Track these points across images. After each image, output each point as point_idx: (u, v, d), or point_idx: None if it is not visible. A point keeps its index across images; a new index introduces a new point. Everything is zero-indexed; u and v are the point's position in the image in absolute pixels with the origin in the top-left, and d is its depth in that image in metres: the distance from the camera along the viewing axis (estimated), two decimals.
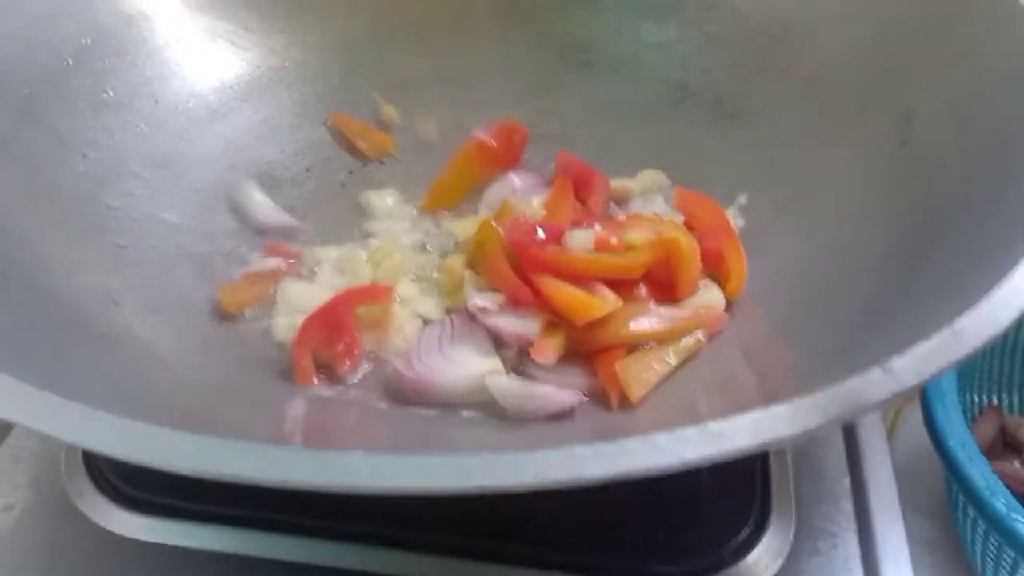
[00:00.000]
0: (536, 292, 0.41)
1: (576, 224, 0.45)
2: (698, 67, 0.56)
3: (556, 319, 0.41)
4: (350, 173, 0.53)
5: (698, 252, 0.43)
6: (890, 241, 0.40)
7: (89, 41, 0.49)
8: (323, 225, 0.50)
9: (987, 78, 0.42)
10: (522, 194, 0.51)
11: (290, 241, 0.49)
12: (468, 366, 0.40)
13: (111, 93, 0.49)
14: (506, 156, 0.53)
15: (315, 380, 0.40)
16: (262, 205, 0.49)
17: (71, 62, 0.47)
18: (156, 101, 0.50)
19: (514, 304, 0.42)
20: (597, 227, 0.44)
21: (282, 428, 0.37)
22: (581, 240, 0.42)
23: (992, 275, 0.30)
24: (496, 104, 0.56)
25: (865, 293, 0.39)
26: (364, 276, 0.45)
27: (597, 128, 0.56)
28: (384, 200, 0.51)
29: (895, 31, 0.48)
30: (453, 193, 0.52)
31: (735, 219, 0.50)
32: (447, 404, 0.40)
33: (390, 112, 0.56)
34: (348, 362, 0.41)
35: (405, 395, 0.41)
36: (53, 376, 0.30)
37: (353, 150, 0.54)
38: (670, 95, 0.56)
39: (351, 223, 0.50)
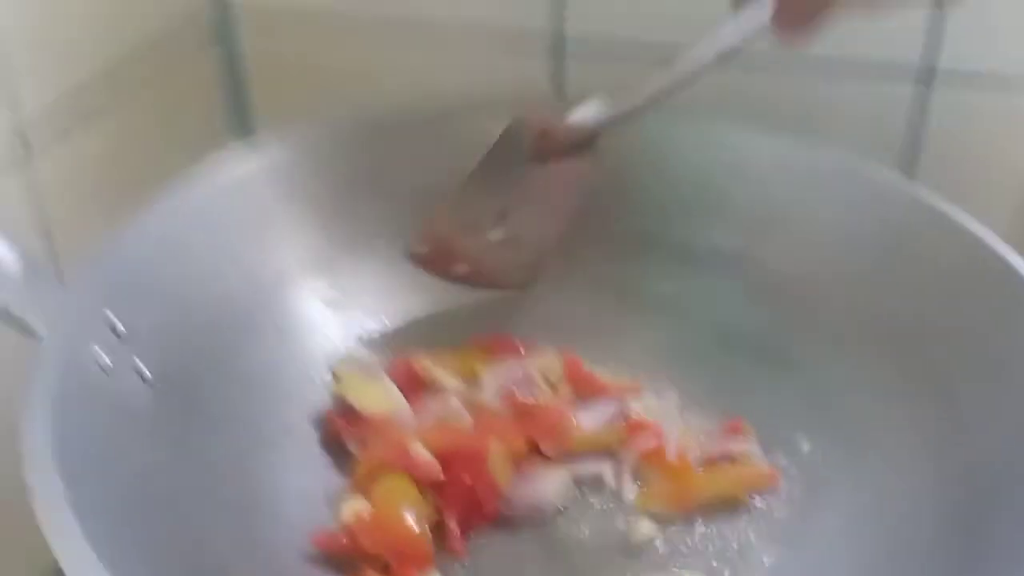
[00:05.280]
0: None
1: None
2: (738, 313, 0.63)
3: None
4: None
5: None
6: (943, 516, 0.47)
7: (224, 321, 0.54)
8: None
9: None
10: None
11: None
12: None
13: (243, 369, 0.54)
14: None
15: None
16: None
17: (211, 345, 0.53)
18: (280, 372, 0.56)
19: None
20: None
21: None
22: None
23: None
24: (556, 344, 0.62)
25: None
26: None
27: (648, 369, 0.61)
28: None
29: (923, 298, 0.55)
30: None
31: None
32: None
33: None
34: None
35: None
36: None
37: None
38: (716, 338, 0.62)
39: None
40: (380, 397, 0.54)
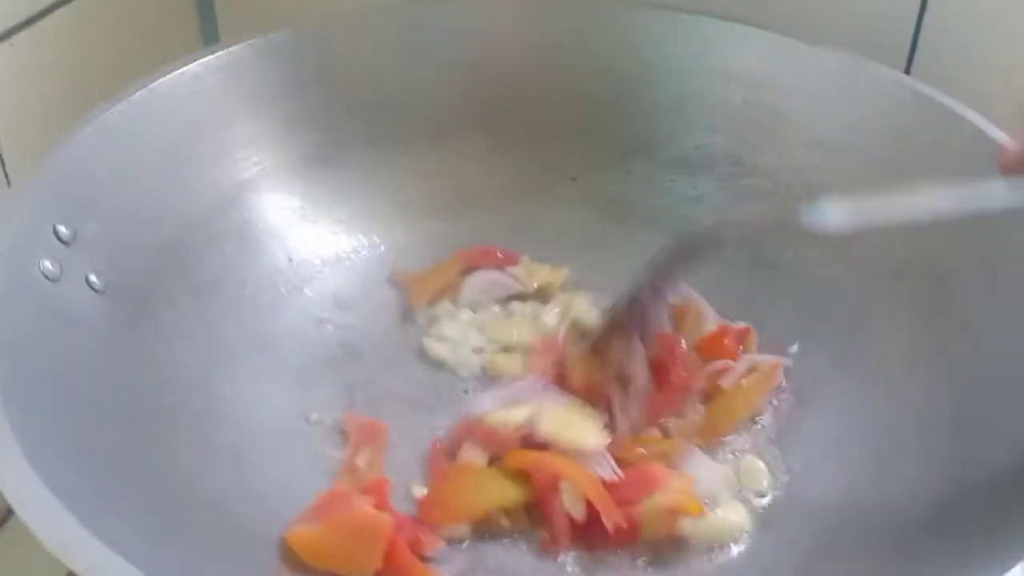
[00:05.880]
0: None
1: None
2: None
3: None
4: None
5: None
6: (939, 417, 0.45)
7: (182, 229, 0.52)
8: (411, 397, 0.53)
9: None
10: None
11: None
12: None
13: (204, 278, 0.52)
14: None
15: None
16: None
17: (168, 253, 0.50)
18: (244, 283, 0.54)
19: None
20: None
21: None
22: None
23: None
24: (544, 260, 0.60)
25: (915, 481, 0.43)
26: None
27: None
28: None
29: None
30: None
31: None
32: None
33: None
34: None
35: None
36: None
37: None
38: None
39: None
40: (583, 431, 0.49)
